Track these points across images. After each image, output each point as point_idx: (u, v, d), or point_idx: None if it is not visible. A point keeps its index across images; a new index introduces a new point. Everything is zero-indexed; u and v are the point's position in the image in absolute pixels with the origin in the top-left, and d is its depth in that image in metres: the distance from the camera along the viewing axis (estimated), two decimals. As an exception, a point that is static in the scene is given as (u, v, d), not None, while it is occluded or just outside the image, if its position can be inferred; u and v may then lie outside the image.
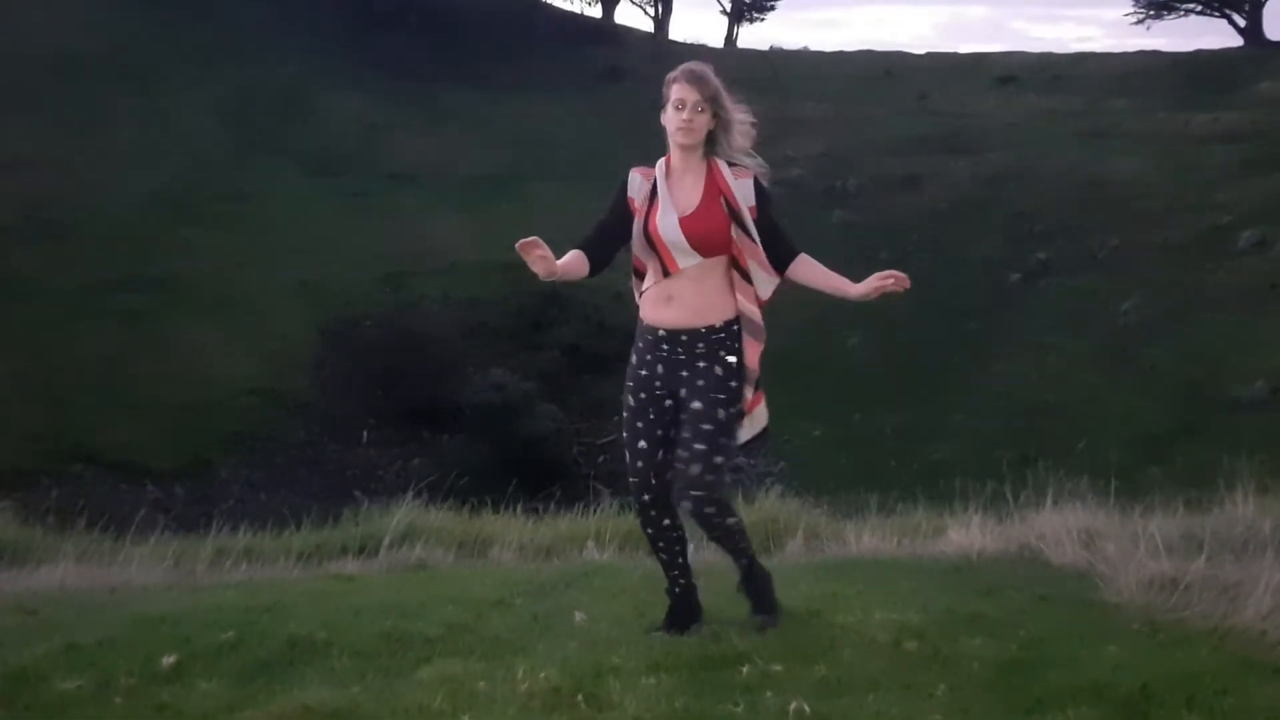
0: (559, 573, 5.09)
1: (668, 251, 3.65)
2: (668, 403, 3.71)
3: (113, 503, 14.44)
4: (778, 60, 40.35)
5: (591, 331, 23.94)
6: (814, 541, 6.38)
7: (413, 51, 35.92)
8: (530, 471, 16.03)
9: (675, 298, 3.67)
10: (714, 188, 3.67)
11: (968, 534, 5.63)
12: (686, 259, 3.64)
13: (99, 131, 27.26)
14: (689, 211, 3.64)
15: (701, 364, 3.66)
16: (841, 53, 42.48)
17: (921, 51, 42.03)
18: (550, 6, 46.03)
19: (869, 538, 6.30)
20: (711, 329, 3.66)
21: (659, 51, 42.54)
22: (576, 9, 46.85)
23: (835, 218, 26.43)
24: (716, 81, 3.66)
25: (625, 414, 3.77)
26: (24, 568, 6.23)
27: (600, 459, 21.25)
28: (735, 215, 3.64)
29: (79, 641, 3.88)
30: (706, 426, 3.61)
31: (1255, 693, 3.20)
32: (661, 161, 3.75)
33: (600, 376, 23.32)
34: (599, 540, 6.54)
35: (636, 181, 3.74)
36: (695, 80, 3.62)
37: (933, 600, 4.13)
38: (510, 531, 6.89)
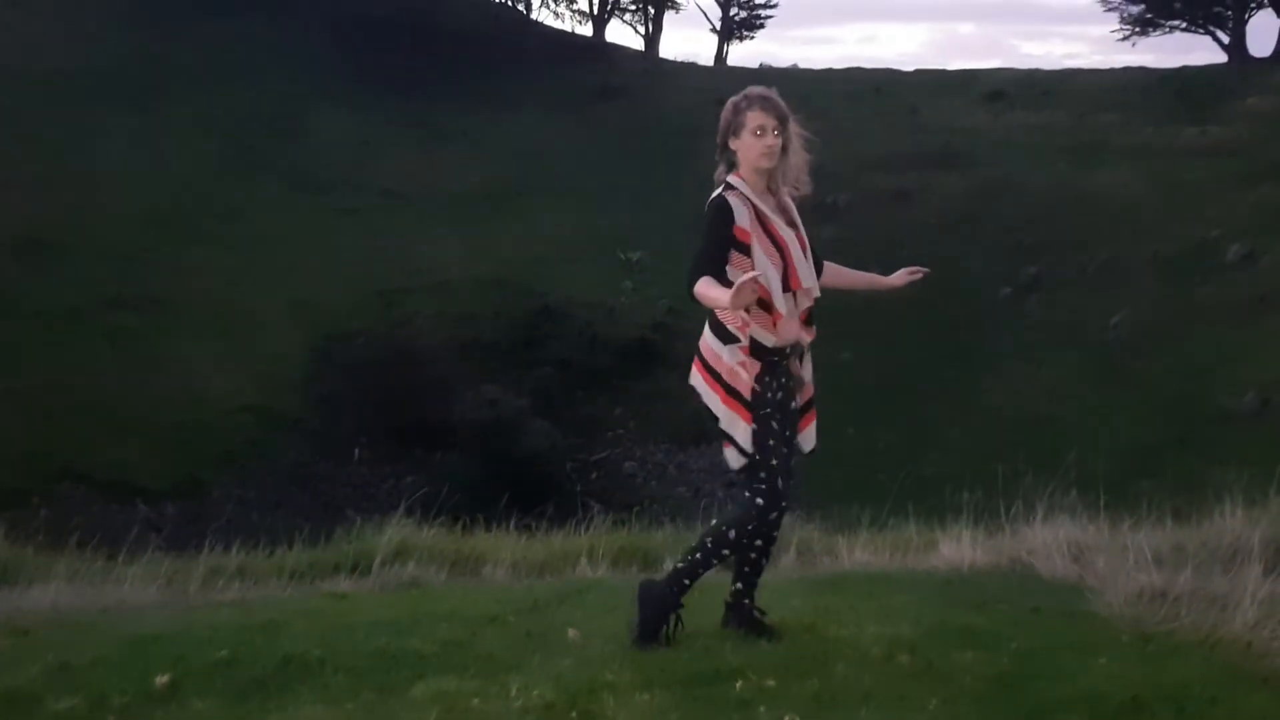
0: (552, 590, 5.10)
1: (794, 267, 3.69)
2: None
3: (104, 522, 14.40)
4: (767, 78, 40.57)
5: (584, 347, 23.97)
6: (807, 556, 6.40)
7: (405, 70, 36.06)
8: (523, 488, 16.00)
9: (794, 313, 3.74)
10: (789, 212, 3.78)
11: (959, 548, 5.66)
12: (806, 274, 3.71)
13: (92, 150, 27.27)
14: (795, 231, 3.74)
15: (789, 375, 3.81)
16: (831, 70, 42.78)
17: (911, 69, 42.38)
18: (541, 25, 46.27)
19: (861, 552, 6.32)
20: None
21: (649, 70, 42.79)
22: (567, 27, 47.19)
23: (826, 233, 26.48)
24: (782, 101, 3.73)
25: (770, 440, 3.66)
26: (15, 588, 6.19)
27: (593, 475, 21.24)
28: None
29: (72, 661, 3.87)
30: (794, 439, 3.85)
31: (1244, 703, 3.23)
32: (738, 182, 3.72)
33: (593, 392, 23.34)
34: (592, 557, 6.54)
35: (739, 208, 3.67)
36: (771, 105, 3.69)
37: (925, 614, 4.14)
38: (503, 549, 6.88)
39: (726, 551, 3.78)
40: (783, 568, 6.01)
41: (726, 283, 3.55)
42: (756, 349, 3.67)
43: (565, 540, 7.13)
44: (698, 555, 3.80)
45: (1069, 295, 23.47)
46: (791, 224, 3.76)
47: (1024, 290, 24.28)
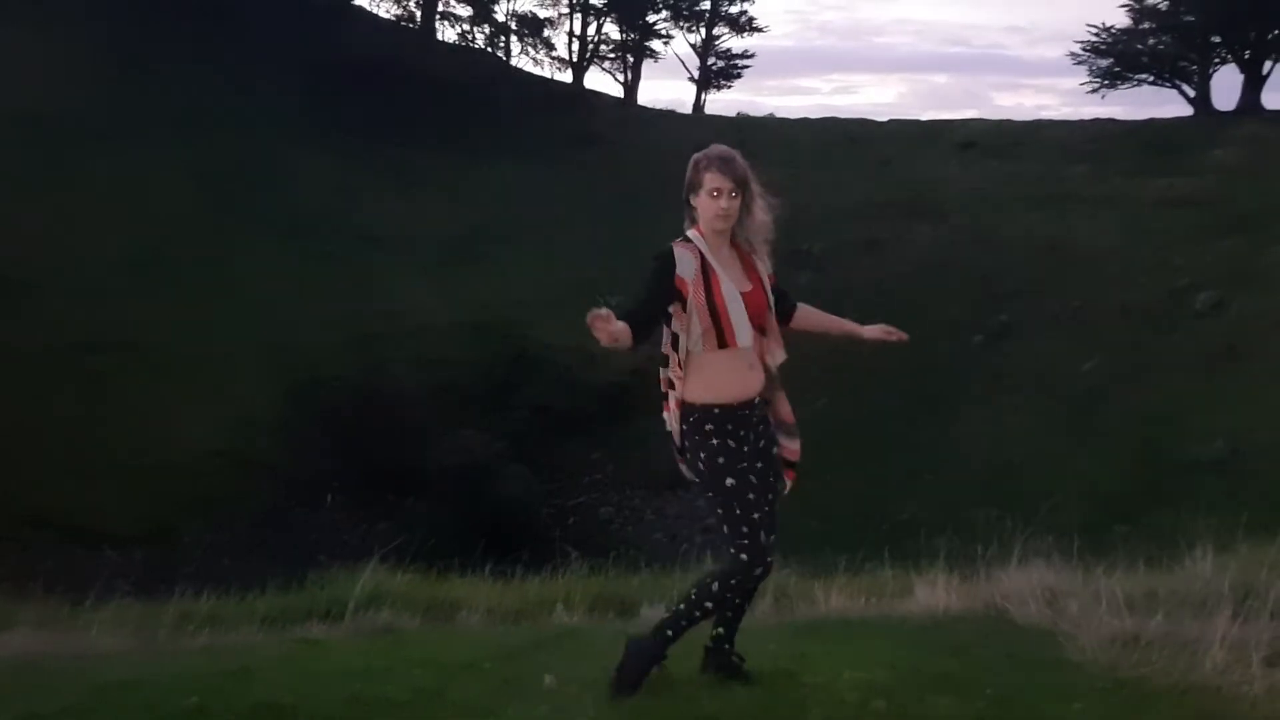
0: (528, 636, 5.07)
1: (730, 326, 3.66)
2: None
3: (72, 568, 14.19)
4: (744, 126, 41.04)
5: (562, 392, 23.92)
6: (784, 602, 6.39)
7: (382, 115, 36.22)
8: (499, 534, 15.90)
9: (754, 366, 3.74)
10: (751, 266, 3.78)
11: (934, 593, 5.68)
12: (744, 334, 3.68)
13: (66, 193, 27.14)
14: (746, 289, 3.71)
15: (768, 424, 3.82)
16: (806, 120, 43.28)
17: (884, 119, 42.91)
18: (521, 71, 46.66)
19: (837, 598, 6.32)
20: (763, 393, 3.82)
21: (628, 117, 43.18)
22: (547, 74, 47.60)
23: (801, 280, 26.74)
24: (744, 164, 3.73)
25: (733, 489, 3.63)
26: (-19, 635, 6.10)
27: (570, 520, 21.13)
28: (766, 291, 3.77)
29: (39, 711, 3.82)
30: (779, 486, 3.79)
31: (1216, 748, 3.25)
32: (695, 236, 3.73)
33: (570, 438, 23.27)
34: (568, 603, 6.52)
35: (685, 259, 3.67)
36: (728, 167, 3.68)
37: (900, 659, 4.15)
38: (478, 595, 6.84)
39: (710, 605, 3.76)
40: (760, 613, 6.00)
41: (650, 330, 3.67)
42: (705, 406, 3.70)
43: (541, 586, 7.11)
44: (682, 607, 3.81)
45: (1040, 343, 23.70)
46: (754, 278, 3.75)
47: (996, 338, 24.50)
